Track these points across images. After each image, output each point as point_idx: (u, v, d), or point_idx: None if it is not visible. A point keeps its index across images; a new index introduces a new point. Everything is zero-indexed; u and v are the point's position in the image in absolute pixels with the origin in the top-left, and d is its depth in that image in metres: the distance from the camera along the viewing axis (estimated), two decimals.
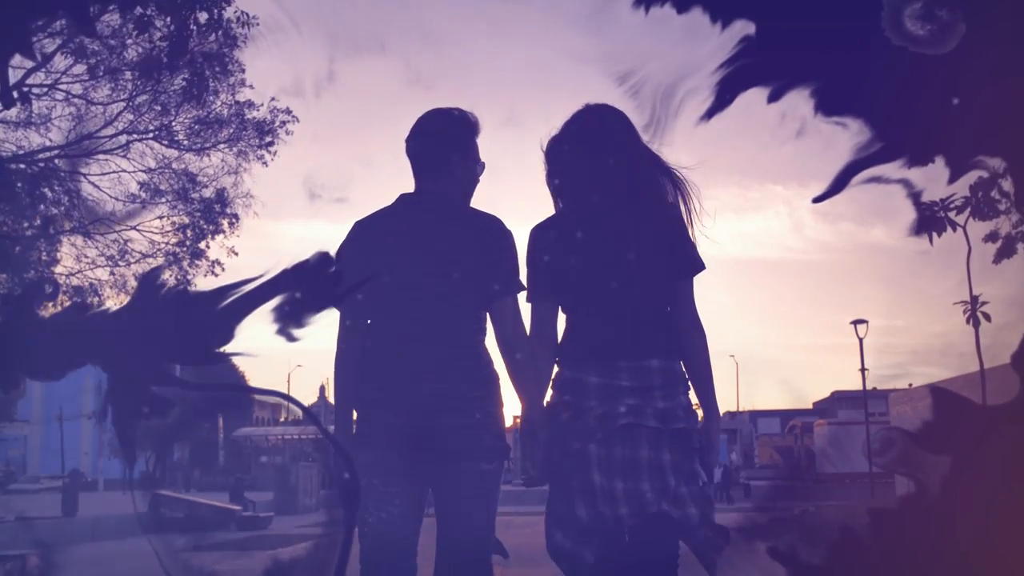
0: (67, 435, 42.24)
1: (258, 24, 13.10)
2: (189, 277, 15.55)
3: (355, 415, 2.41)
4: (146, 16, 10.35)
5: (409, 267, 2.35)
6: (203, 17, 11.38)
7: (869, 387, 27.43)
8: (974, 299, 23.07)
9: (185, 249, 15.60)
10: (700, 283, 2.38)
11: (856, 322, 24.69)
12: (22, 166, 13.83)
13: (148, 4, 10.14)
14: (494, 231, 2.40)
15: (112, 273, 15.55)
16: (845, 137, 1.26)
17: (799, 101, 1.23)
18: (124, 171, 15.36)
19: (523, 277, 2.41)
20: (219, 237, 15.69)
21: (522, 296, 2.40)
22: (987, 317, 23.75)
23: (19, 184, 12.95)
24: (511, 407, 2.45)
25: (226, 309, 1.20)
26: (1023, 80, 1.09)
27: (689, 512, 2.19)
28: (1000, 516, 1.03)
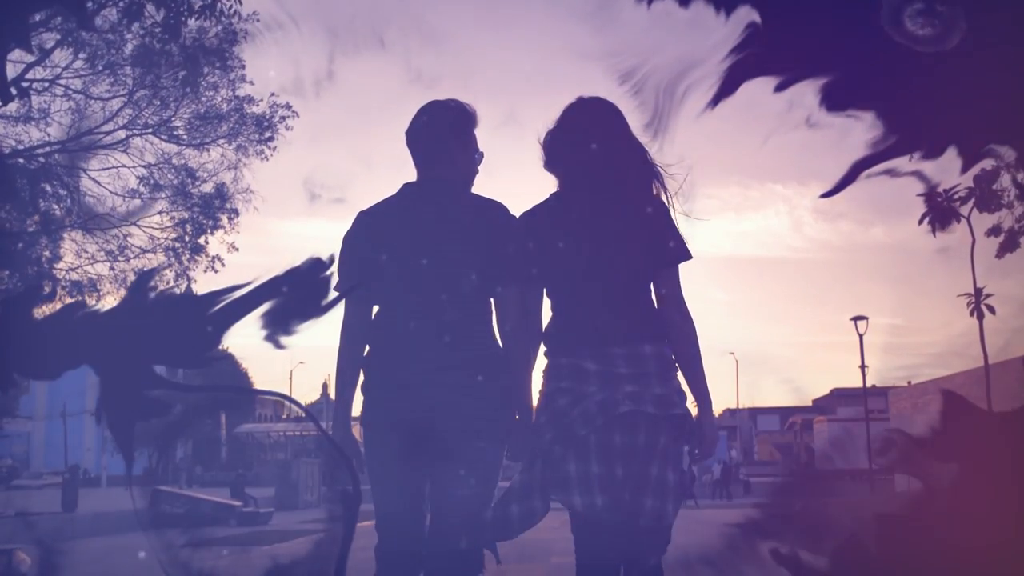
0: (70, 431, 42.30)
1: (258, 20, 13.09)
2: (189, 272, 15.56)
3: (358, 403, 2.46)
4: (136, 3, 10.32)
5: (414, 252, 2.37)
6: (202, 12, 11.36)
7: (868, 384, 27.46)
8: (978, 291, 22.95)
9: (185, 244, 15.60)
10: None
11: (856, 318, 24.68)
12: (21, 161, 13.82)
13: None
14: (499, 218, 2.44)
15: (112, 268, 15.56)
16: (846, 135, 1.25)
17: (803, 96, 1.22)
18: (124, 166, 15.37)
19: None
20: (219, 232, 15.70)
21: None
22: (991, 309, 23.64)
23: (19, 180, 12.94)
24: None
25: (216, 314, 1.19)
26: None
27: (677, 497, 2.27)
28: (1005, 522, 1.03)
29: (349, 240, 2.44)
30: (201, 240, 15.69)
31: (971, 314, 23.32)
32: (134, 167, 15.38)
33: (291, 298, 1.24)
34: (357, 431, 2.51)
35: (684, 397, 2.38)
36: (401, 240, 2.39)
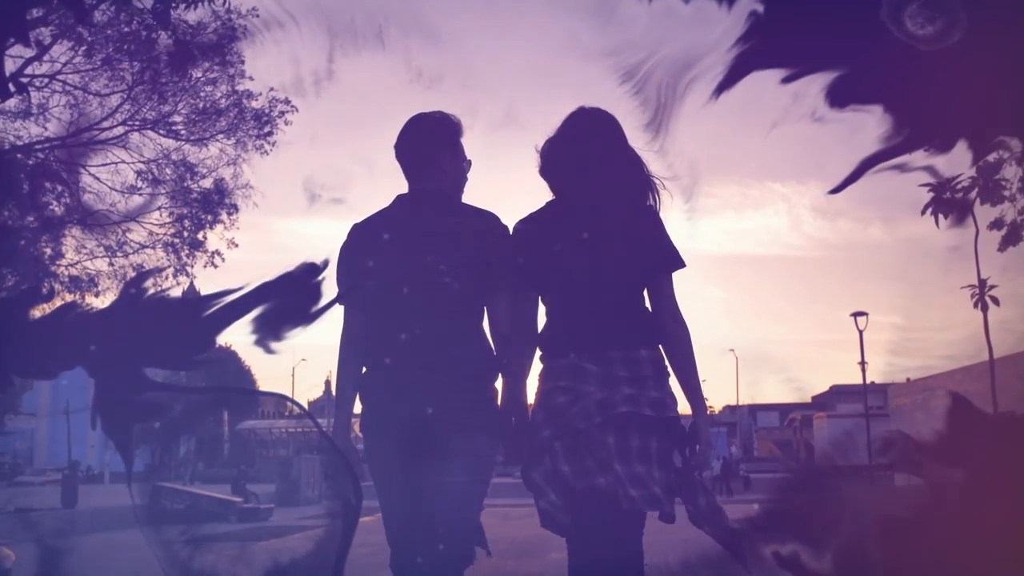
0: (73, 428, 42.30)
1: (257, 15, 13.05)
2: (188, 268, 15.54)
3: (357, 405, 2.50)
4: None
5: (408, 262, 2.43)
6: (201, 7, 11.34)
7: (868, 381, 27.43)
8: (982, 283, 22.80)
9: (184, 240, 15.57)
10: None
11: (856, 314, 24.64)
12: (19, 156, 13.80)
13: None
14: (490, 227, 2.49)
15: (111, 264, 15.53)
16: (848, 132, 1.25)
17: (805, 93, 1.22)
18: (123, 162, 15.34)
19: None
20: (218, 227, 15.67)
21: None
22: (995, 301, 23.47)
23: (17, 176, 12.91)
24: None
25: (208, 318, 1.20)
26: None
27: (669, 495, 2.31)
28: (1009, 527, 1.02)
29: (344, 253, 2.51)
30: (200, 236, 15.67)
31: (975, 306, 23.17)
32: (133, 163, 15.36)
33: (282, 304, 1.25)
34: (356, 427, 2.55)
35: (675, 401, 2.43)
36: (394, 250, 2.46)
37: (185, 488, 18.46)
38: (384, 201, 2.60)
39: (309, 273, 1.29)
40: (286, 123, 15.43)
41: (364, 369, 2.50)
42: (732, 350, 49.87)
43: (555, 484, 2.33)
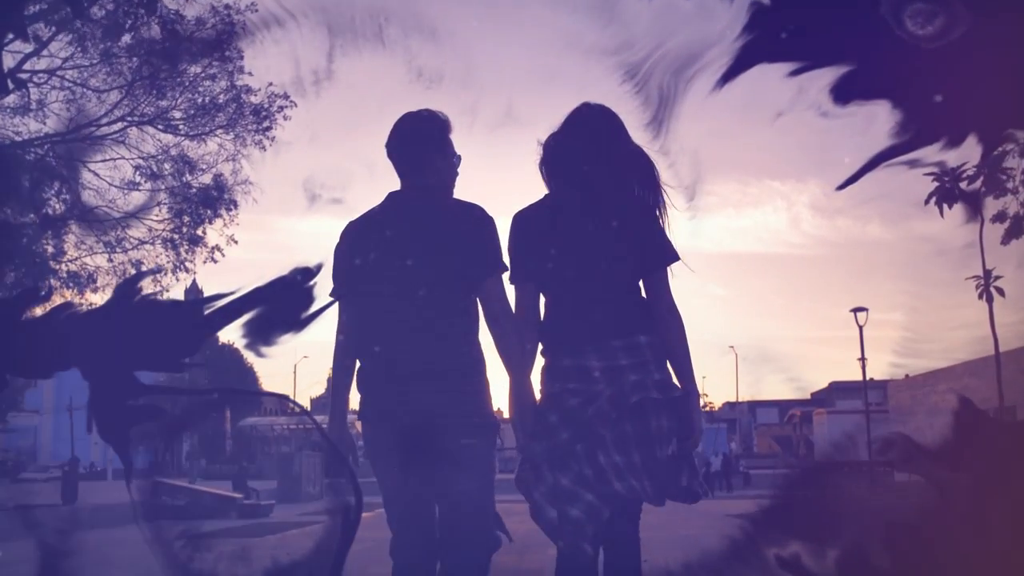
0: (77, 425, 42.27)
1: (256, 10, 13.03)
2: (187, 264, 15.53)
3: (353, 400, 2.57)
4: None
5: (400, 257, 2.50)
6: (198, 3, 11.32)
7: (867, 377, 27.38)
8: (987, 273, 22.64)
9: (183, 236, 15.56)
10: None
11: (856, 310, 24.56)
12: (18, 152, 13.78)
13: None
14: (476, 218, 2.55)
15: (110, 260, 15.53)
16: (847, 131, 1.24)
17: (806, 91, 1.21)
18: (122, 158, 15.32)
19: (507, 261, 2.56)
20: (218, 223, 15.65)
21: (507, 278, 2.55)
22: (1000, 292, 23.28)
23: (17, 171, 12.90)
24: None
25: (198, 322, 1.20)
26: None
27: (692, 468, 2.45)
28: (1011, 531, 1.02)
29: (338, 252, 2.58)
30: (199, 231, 15.65)
31: (980, 296, 22.99)
32: (133, 158, 15.34)
33: (273, 310, 1.25)
34: (359, 426, 2.62)
35: (676, 384, 2.50)
36: (386, 247, 2.52)
37: (185, 484, 18.47)
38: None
39: (302, 277, 1.28)
40: (285, 118, 15.43)
41: (359, 362, 2.55)
42: (732, 347, 49.95)
43: (584, 487, 2.36)
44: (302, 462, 22.06)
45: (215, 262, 15.65)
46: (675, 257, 2.51)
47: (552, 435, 2.40)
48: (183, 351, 1.22)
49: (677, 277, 2.55)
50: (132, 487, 1.57)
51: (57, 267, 14.86)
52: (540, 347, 2.54)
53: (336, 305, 2.45)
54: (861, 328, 24.43)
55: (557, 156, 2.58)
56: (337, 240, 2.63)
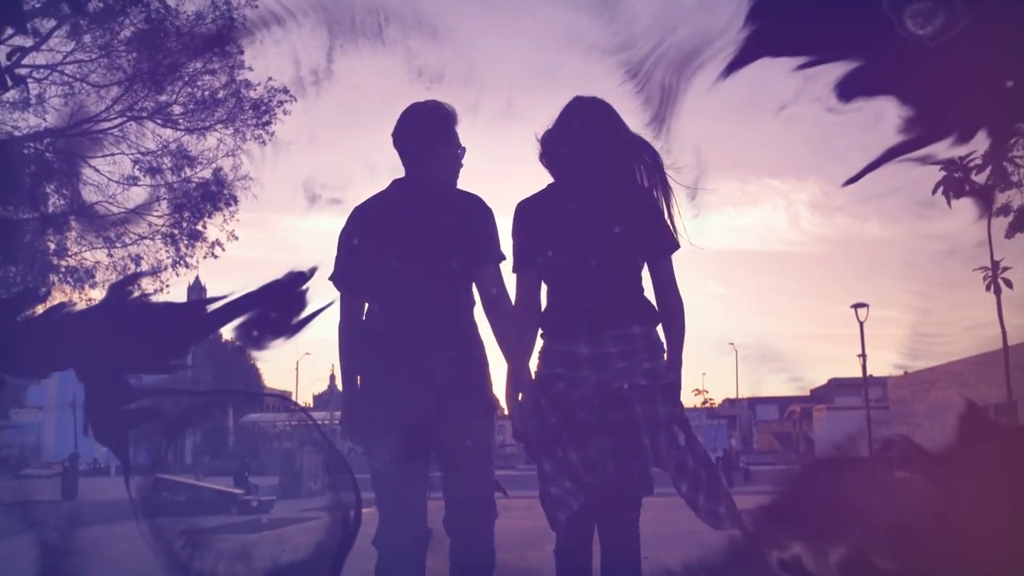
0: (80, 421, 42.15)
1: (256, 6, 13.00)
2: (187, 259, 15.50)
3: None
4: None
5: (402, 243, 2.56)
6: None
7: (866, 374, 27.33)
8: (995, 264, 22.48)
9: (183, 230, 15.53)
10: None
11: (856, 306, 24.50)
12: (17, 147, 13.75)
13: None
14: (475, 207, 2.61)
15: (110, 255, 15.50)
16: (847, 129, 1.24)
17: (807, 89, 1.20)
18: (121, 153, 15.28)
19: (507, 250, 2.61)
20: (218, 218, 15.61)
21: (508, 267, 2.60)
22: (1008, 284, 23.13)
23: (16, 167, 12.86)
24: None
25: (190, 325, 1.20)
26: None
27: (675, 454, 2.46)
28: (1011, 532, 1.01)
29: (344, 236, 2.63)
30: (199, 226, 15.62)
31: (987, 288, 22.83)
32: (132, 153, 15.30)
33: (265, 315, 1.25)
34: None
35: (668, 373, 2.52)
36: (390, 234, 2.57)
37: (186, 480, 18.49)
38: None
39: (294, 282, 1.29)
40: (285, 112, 15.36)
41: (361, 345, 2.59)
42: (732, 344, 49.90)
43: (566, 472, 2.39)
44: (304, 458, 22.09)
45: (215, 257, 15.63)
46: (675, 245, 2.54)
47: (542, 418, 2.44)
48: (173, 354, 1.22)
49: (677, 275, 2.56)
50: (132, 486, 1.57)
51: (57, 263, 14.84)
52: (540, 332, 2.56)
53: (332, 306, 2.48)
54: (862, 324, 24.40)
55: (556, 147, 2.60)
56: (336, 240, 2.65)
